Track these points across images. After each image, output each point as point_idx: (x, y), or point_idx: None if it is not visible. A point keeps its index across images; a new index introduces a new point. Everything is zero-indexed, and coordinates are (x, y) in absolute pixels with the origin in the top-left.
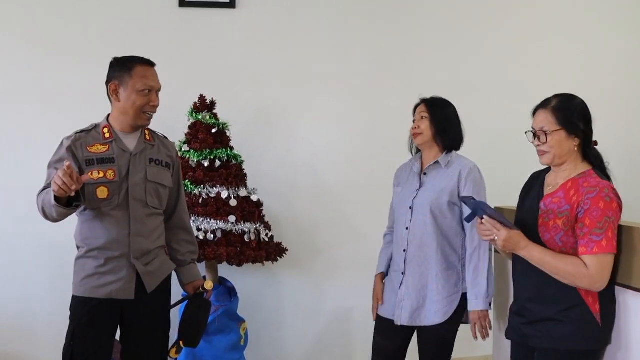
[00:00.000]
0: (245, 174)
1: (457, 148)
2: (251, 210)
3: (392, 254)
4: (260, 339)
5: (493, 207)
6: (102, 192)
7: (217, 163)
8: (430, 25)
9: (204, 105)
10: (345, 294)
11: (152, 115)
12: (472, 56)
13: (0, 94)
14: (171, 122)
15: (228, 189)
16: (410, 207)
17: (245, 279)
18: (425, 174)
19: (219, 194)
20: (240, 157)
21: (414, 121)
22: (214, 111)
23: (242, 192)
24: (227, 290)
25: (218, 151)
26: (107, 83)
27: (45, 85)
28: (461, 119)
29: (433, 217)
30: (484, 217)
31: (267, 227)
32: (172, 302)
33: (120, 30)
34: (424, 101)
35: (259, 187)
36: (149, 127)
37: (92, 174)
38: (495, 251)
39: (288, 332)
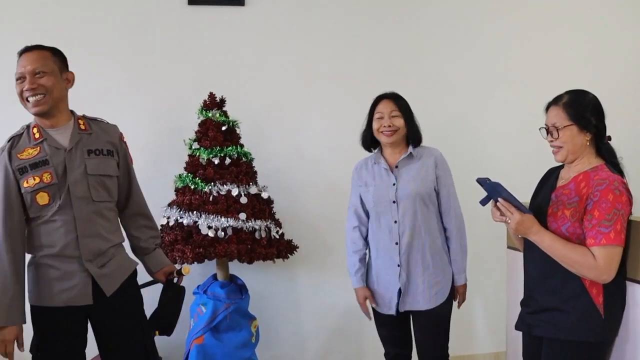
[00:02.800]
0: (256, 172)
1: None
2: (262, 207)
3: (371, 254)
4: (271, 336)
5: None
6: (42, 198)
7: (227, 160)
8: (436, 23)
9: (213, 103)
10: None
11: (40, 100)
12: (480, 54)
13: (1, 94)
14: (181, 120)
15: (238, 187)
16: (394, 202)
17: (256, 276)
18: (396, 167)
19: (229, 191)
20: (250, 155)
21: (375, 119)
22: (224, 109)
23: (253, 190)
24: (238, 288)
25: (228, 149)
26: None
27: None
28: (469, 116)
29: (424, 204)
30: (499, 199)
31: (278, 224)
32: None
33: (129, 28)
34: (392, 98)
35: (269, 184)
36: (85, 113)
37: (27, 182)
38: (508, 247)
39: (299, 330)
